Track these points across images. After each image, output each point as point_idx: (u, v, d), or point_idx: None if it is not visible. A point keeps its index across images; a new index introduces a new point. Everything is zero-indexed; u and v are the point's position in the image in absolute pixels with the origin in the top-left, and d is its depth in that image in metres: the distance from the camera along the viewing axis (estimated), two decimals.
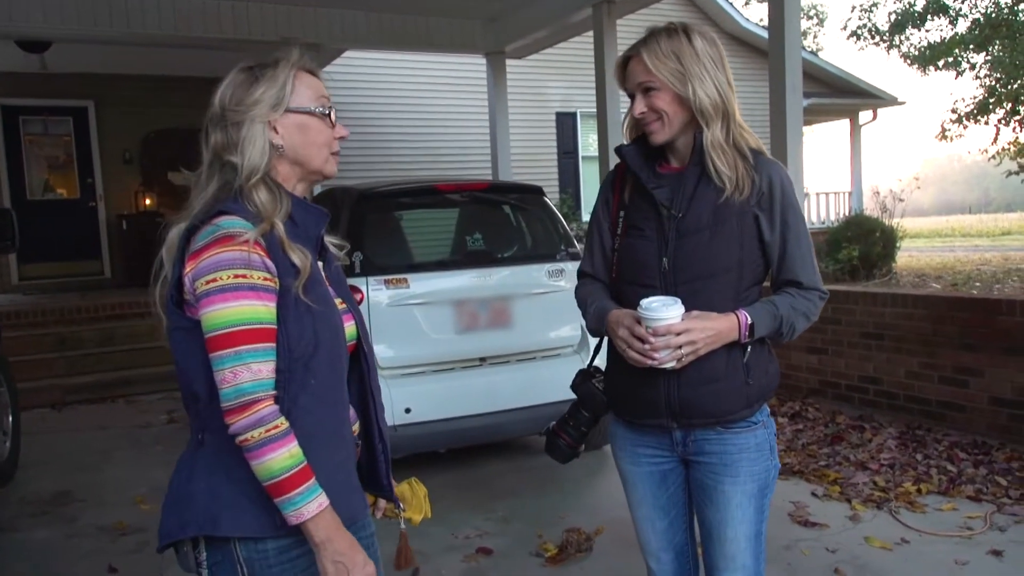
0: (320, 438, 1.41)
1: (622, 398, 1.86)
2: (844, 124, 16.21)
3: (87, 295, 8.65)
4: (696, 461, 1.81)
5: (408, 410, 3.88)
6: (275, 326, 1.34)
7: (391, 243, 4.47)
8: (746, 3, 26.04)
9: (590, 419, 1.93)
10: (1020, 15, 14.71)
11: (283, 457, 1.30)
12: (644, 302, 1.65)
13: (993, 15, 15.11)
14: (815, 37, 30.62)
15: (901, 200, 12.66)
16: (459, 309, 4.14)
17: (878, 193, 13.15)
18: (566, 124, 12.49)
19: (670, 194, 1.75)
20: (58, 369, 7.00)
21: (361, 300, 3.89)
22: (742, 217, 1.71)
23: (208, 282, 1.30)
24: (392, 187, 4.69)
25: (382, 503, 1.67)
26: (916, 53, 16.88)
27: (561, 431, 1.96)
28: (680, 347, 1.64)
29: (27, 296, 8.98)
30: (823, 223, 14.56)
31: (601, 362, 1.97)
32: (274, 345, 1.34)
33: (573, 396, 1.97)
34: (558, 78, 11.93)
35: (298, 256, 1.38)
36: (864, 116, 15.99)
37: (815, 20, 30.32)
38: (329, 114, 1.47)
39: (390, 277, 4.00)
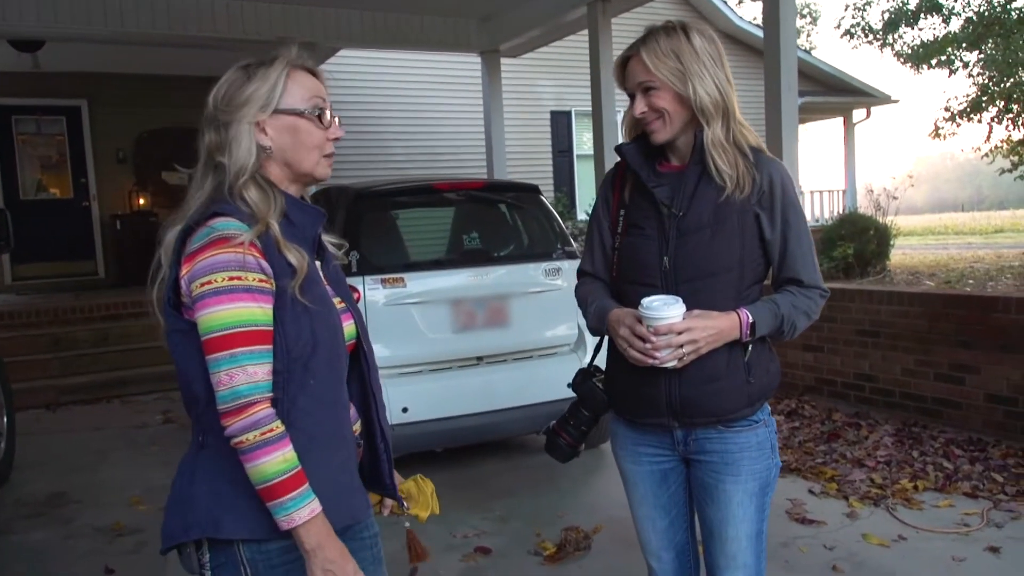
0: (320, 438, 1.41)
1: (623, 397, 1.85)
2: (838, 122, 16.29)
3: (81, 295, 8.61)
4: (697, 460, 1.81)
5: (405, 409, 3.88)
6: (271, 328, 1.33)
7: (387, 242, 4.46)
8: (739, 1, 26.08)
9: (590, 418, 1.93)
10: (1013, 13, 14.75)
11: (277, 461, 1.29)
12: (645, 301, 1.65)
13: (986, 13, 15.14)
14: (808, 36, 30.67)
15: (895, 198, 12.69)
16: (456, 308, 4.14)
17: (872, 191, 13.16)
18: (561, 122, 12.49)
19: (671, 193, 1.75)
20: (52, 370, 6.97)
21: (358, 299, 3.88)
22: (743, 216, 1.71)
23: (203, 284, 1.30)
24: (388, 186, 4.68)
25: (389, 501, 1.66)
26: (909, 51, 16.90)
27: (561, 430, 1.95)
28: (682, 346, 1.63)
29: (21, 296, 8.95)
30: (817, 221, 14.61)
31: (601, 361, 1.97)
32: (270, 347, 1.33)
33: (570, 395, 1.97)
34: (552, 77, 11.93)
35: (294, 256, 1.37)
36: (858, 114, 16.07)
37: (808, 19, 30.36)
38: (322, 115, 1.45)
39: (387, 276, 3.99)
